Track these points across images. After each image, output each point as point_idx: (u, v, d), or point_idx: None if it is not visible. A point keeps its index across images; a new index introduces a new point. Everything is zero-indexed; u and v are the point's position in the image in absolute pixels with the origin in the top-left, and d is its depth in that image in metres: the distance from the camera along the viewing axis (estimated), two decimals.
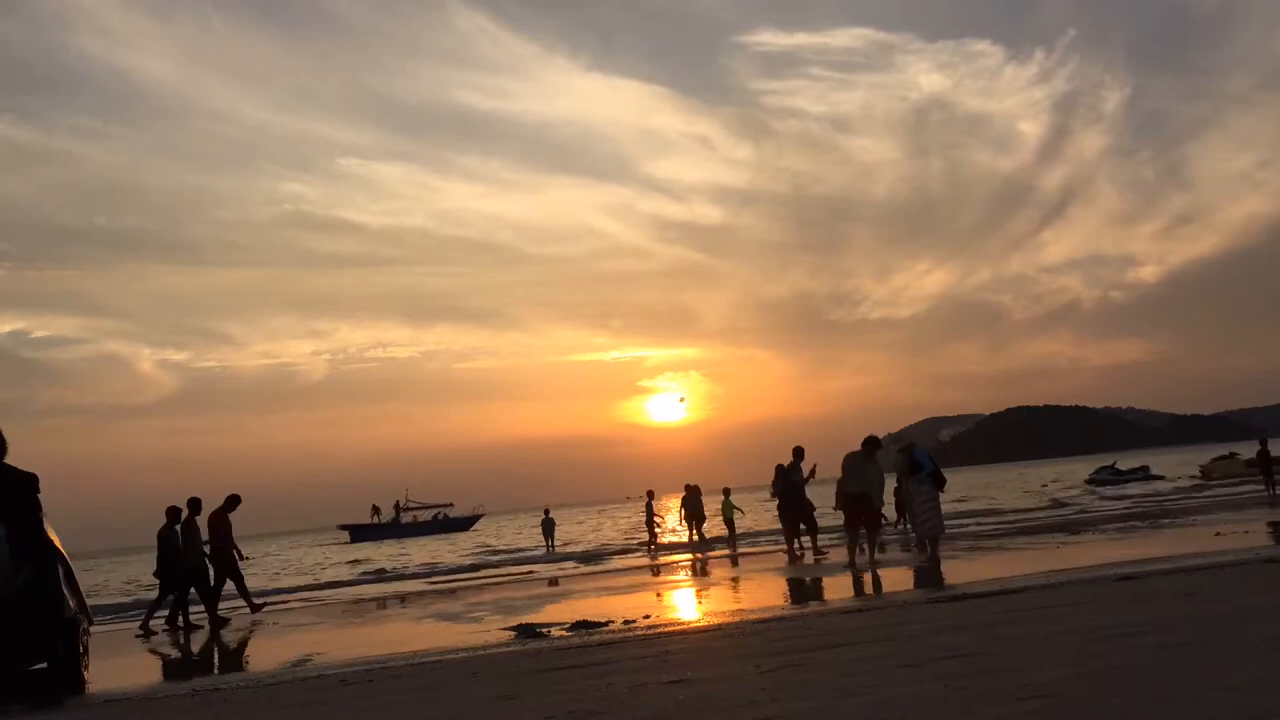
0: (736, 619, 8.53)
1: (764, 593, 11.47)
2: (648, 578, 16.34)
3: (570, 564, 22.75)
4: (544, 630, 9.04)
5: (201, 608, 14.15)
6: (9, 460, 7.14)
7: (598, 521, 58.34)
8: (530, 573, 20.91)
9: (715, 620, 8.66)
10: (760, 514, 29.98)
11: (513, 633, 9.17)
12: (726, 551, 21.00)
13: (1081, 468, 64.35)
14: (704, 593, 12.48)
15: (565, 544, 31.55)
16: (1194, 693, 3.65)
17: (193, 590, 13.93)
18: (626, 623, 9.09)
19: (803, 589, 11.64)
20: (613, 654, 6.60)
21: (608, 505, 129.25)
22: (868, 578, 11.77)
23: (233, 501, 14.53)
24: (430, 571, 24.61)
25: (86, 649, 8.27)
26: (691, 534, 23.56)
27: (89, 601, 9.62)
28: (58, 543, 8.23)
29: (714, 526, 25.78)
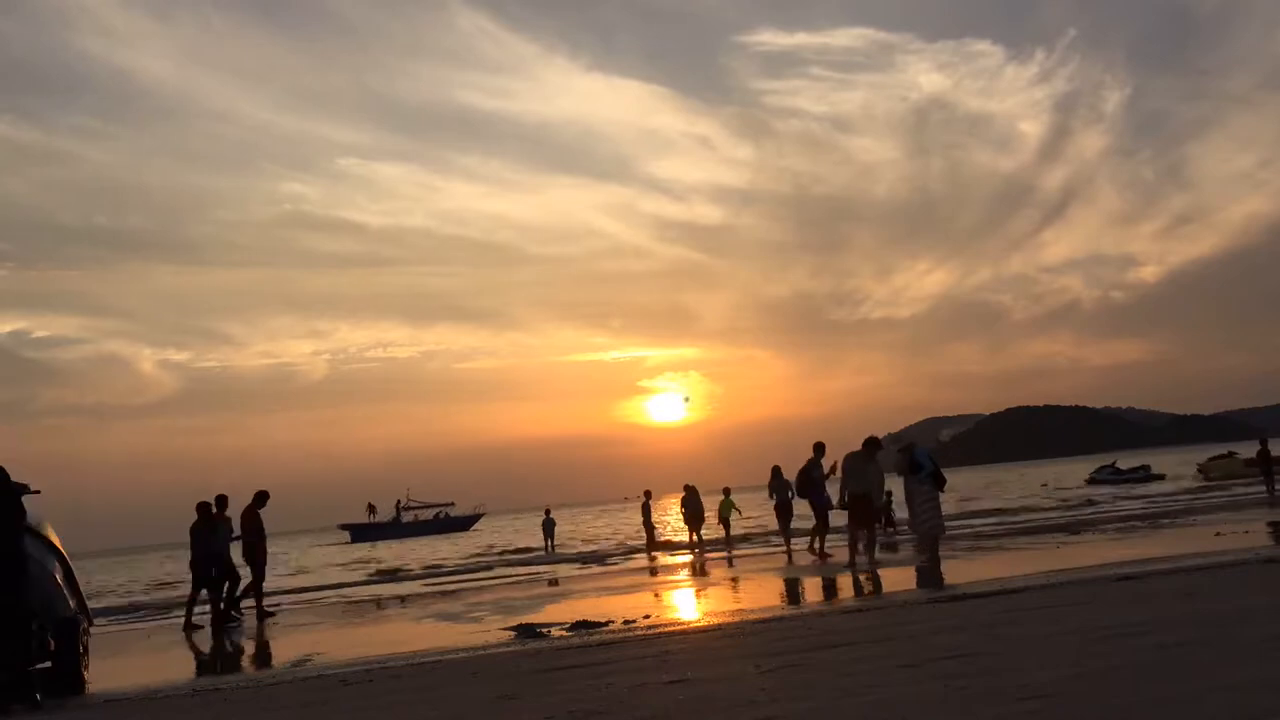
0: (736, 619, 8.53)
1: (764, 593, 11.47)
2: (647, 578, 16.34)
3: (570, 564, 22.75)
4: (544, 630, 9.04)
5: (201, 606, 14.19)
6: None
7: (598, 522, 58.34)
8: (532, 573, 20.91)
9: (715, 620, 8.66)
10: (766, 513, 29.87)
11: (513, 633, 9.17)
12: (724, 552, 20.98)
13: (1081, 468, 64.36)
14: (704, 593, 12.48)
15: (565, 544, 31.56)
16: (1194, 693, 3.66)
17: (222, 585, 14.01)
18: (626, 623, 9.10)
19: (803, 589, 11.64)
20: (613, 654, 6.60)
21: (608, 505, 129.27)
22: (867, 578, 11.78)
23: (262, 497, 14.63)
24: (435, 572, 24.57)
25: (86, 649, 8.27)
26: (691, 535, 23.54)
27: (90, 603, 9.62)
28: (58, 543, 8.24)
29: (713, 527, 25.68)
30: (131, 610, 20.18)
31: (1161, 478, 41.87)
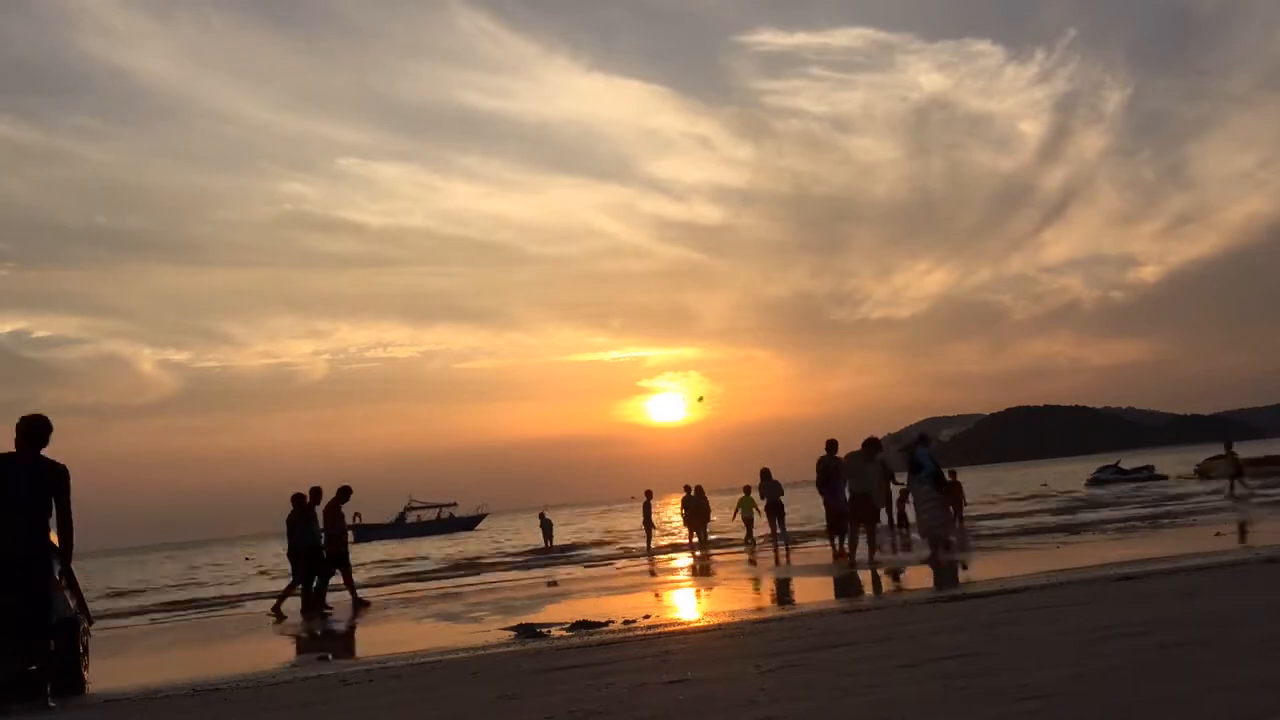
0: (736, 619, 8.53)
1: (764, 592, 11.48)
2: (647, 578, 16.34)
3: (570, 564, 22.73)
4: (544, 630, 9.04)
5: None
6: None
7: (598, 522, 58.33)
8: (532, 573, 20.89)
9: (715, 620, 8.67)
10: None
11: (513, 633, 9.17)
12: (725, 553, 20.95)
13: (1082, 468, 64.22)
14: (704, 593, 12.49)
15: (565, 544, 31.54)
16: (1194, 693, 3.65)
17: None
18: (626, 623, 9.10)
19: (802, 589, 11.64)
20: (613, 654, 6.60)
21: (609, 505, 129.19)
22: (868, 578, 11.78)
23: (345, 493, 14.74)
24: (455, 570, 24.55)
25: (86, 649, 8.27)
26: (692, 535, 23.48)
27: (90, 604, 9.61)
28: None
29: (733, 528, 25.39)
30: (131, 612, 20.15)
31: (1165, 478, 41.58)
